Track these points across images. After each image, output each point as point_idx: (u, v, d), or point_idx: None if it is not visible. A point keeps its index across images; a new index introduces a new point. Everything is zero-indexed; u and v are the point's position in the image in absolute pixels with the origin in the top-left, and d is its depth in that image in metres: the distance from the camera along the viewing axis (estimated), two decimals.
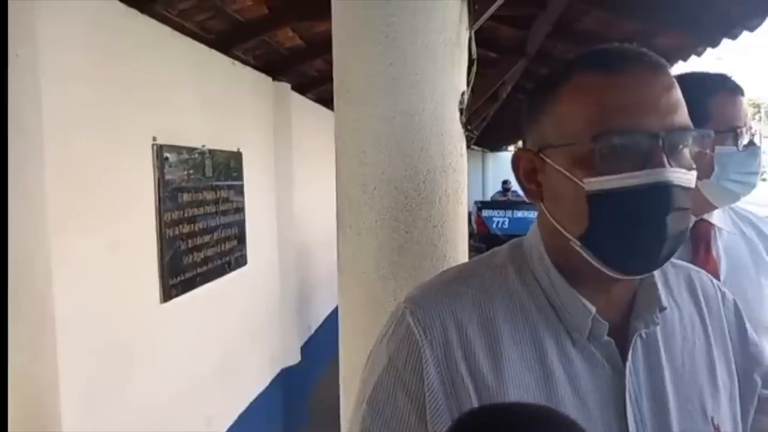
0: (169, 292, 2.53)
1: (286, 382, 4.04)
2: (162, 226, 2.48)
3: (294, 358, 4.20)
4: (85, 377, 1.97)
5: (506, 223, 10.94)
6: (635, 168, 0.59)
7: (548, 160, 0.64)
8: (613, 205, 0.60)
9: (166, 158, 2.51)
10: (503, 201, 12.48)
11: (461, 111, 1.30)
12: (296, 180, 4.19)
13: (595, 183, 0.60)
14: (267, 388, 3.75)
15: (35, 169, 1.70)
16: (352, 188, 1.28)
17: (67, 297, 1.82)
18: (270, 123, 3.81)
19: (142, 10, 2.29)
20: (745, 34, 2.57)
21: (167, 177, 2.51)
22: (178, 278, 2.63)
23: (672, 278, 0.76)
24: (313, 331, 4.87)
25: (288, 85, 3.97)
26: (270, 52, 3.42)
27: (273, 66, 3.63)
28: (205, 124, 2.88)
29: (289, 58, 3.59)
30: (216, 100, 3.01)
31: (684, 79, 0.68)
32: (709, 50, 2.91)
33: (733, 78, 1.16)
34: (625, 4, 2.79)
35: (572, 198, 0.62)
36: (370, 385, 0.71)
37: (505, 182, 14.42)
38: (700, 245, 1.20)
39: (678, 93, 0.63)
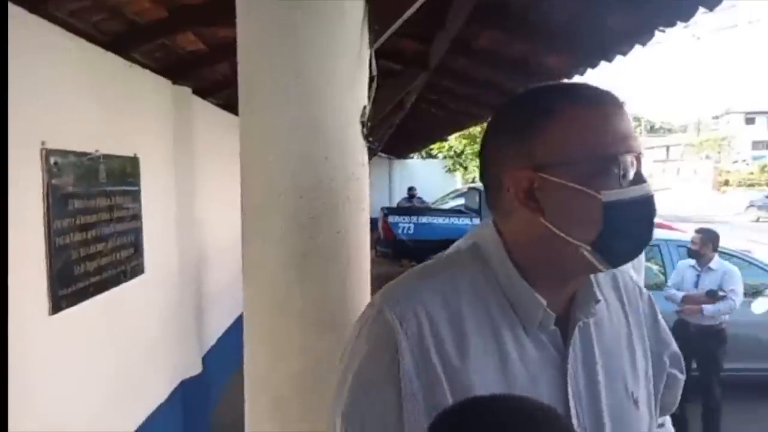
0: (58, 304, 2.38)
1: (186, 393, 3.89)
2: (51, 234, 2.34)
3: (195, 368, 4.06)
4: None
5: (412, 228, 11.16)
6: (633, 182, 0.73)
7: (554, 178, 0.74)
8: (625, 212, 0.72)
9: (56, 163, 2.37)
10: (409, 207, 12.78)
11: (363, 124, 1.37)
12: (198, 186, 4.07)
13: (613, 194, 0.72)
14: (166, 401, 3.60)
15: None
16: (258, 196, 1.31)
17: None
18: (170, 127, 3.69)
19: (31, 10, 2.15)
20: (621, 56, 2.88)
21: (56, 183, 2.38)
22: (69, 288, 2.48)
23: (600, 277, 0.90)
24: (215, 340, 4.74)
25: (189, 89, 3.86)
26: (170, 55, 3.32)
27: (173, 69, 3.52)
28: (99, 128, 2.74)
29: (190, 61, 3.49)
30: (111, 104, 2.87)
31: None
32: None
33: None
34: (516, 26, 3.01)
35: (586, 209, 0.73)
36: (350, 374, 0.78)
37: (410, 189, 14.79)
38: None
39: None
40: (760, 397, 5.15)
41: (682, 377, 0.96)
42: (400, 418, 0.73)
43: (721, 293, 4.19)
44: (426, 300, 0.77)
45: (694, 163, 37.69)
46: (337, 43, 1.27)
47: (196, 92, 4.04)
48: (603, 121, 0.75)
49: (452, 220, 11.01)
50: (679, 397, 0.98)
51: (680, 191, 28.92)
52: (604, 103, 0.76)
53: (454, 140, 18.48)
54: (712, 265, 4.34)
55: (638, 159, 0.74)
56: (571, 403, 0.78)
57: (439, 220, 11.38)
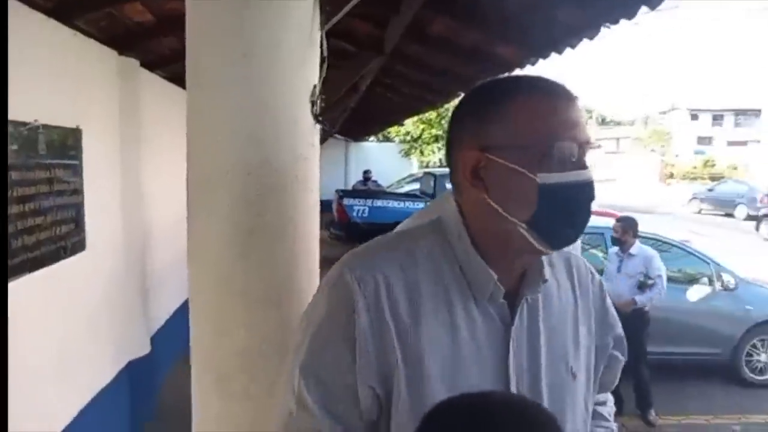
0: None
1: (133, 374, 3.82)
2: None
3: (142, 348, 3.98)
4: None
5: (366, 211, 11.17)
6: (572, 168, 0.78)
7: (498, 159, 0.79)
8: (559, 194, 0.78)
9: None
10: (364, 190, 12.78)
11: (312, 104, 1.38)
12: (146, 160, 3.95)
13: (547, 177, 0.77)
14: (112, 382, 3.53)
15: None
16: (206, 172, 1.30)
17: None
18: (115, 100, 3.56)
19: None
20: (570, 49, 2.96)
21: None
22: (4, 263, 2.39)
23: (554, 259, 0.94)
24: (164, 320, 4.66)
25: (137, 62, 3.73)
26: (116, 25, 3.19)
27: (120, 40, 3.39)
28: (38, 98, 2.63)
29: (138, 33, 3.37)
30: (53, 73, 2.75)
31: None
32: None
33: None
34: (468, 14, 3.05)
35: (523, 189, 0.78)
36: (310, 332, 0.83)
37: (366, 172, 14.77)
38: None
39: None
40: (697, 379, 5.47)
41: (622, 359, 1.03)
42: (354, 375, 0.78)
43: (650, 281, 4.42)
44: (385, 267, 0.82)
45: (642, 155, 39.14)
46: (287, 22, 1.27)
47: (144, 65, 3.91)
48: (550, 109, 0.80)
49: (407, 204, 11.08)
50: (618, 377, 1.05)
51: (628, 182, 29.99)
52: (554, 93, 0.82)
53: (411, 125, 18.56)
54: (632, 251, 4.57)
55: (582, 148, 0.80)
56: (511, 372, 0.84)
57: (394, 204, 11.43)
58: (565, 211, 0.80)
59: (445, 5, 2.98)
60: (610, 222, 5.07)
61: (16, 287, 2.47)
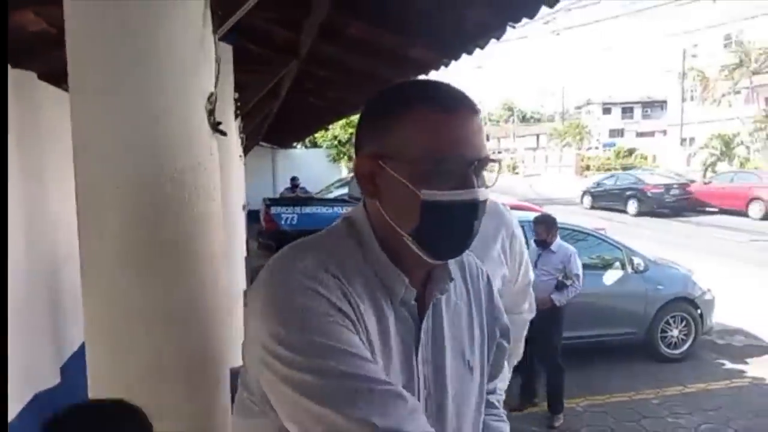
0: None
1: (43, 408, 3.56)
2: None
3: (51, 379, 3.71)
4: None
5: (295, 219, 11.03)
6: (457, 185, 0.79)
7: (388, 169, 0.80)
8: (441, 212, 0.79)
9: None
10: (292, 197, 12.62)
11: (210, 112, 1.33)
12: (51, 175, 3.71)
13: (431, 194, 0.78)
14: (16, 419, 3.27)
15: None
16: (94, 188, 1.23)
17: None
18: (12, 115, 3.33)
19: None
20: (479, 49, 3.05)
21: None
22: None
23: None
24: (77, 346, 4.37)
25: (34, 74, 3.50)
26: (9, 36, 2.98)
27: (13, 52, 3.17)
28: None
29: (34, 44, 3.17)
30: None
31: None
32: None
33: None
34: (382, 17, 3.07)
35: (408, 202, 0.79)
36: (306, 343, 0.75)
37: (293, 179, 14.59)
38: None
39: (483, 129, 0.85)
40: (620, 360, 5.77)
41: (507, 346, 1.08)
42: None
43: (568, 282, 4.49)
44: (328, 264, 0.81)
45: (560, 150, 40.97)
46: (176, 30, 1.22)
47: (42, 77, 3.67)
48: (443, 125, 0.80)
49: (336, 209, 11.03)
50: (504, 363, 1.10)
51: (549, 176, 31.33)
52: (451, 108, 0.81)
53: (339, 129, 18.53)
54: (552, 247, 4.63)
55: (473, 166, 0.80)
56: (420, 369, 0.87)
57: (323, 210, 11.35)
58: (448, 228, 0.81)
59: (358, 7, 2.99)
60: (531, 215, 5.23)
61: None
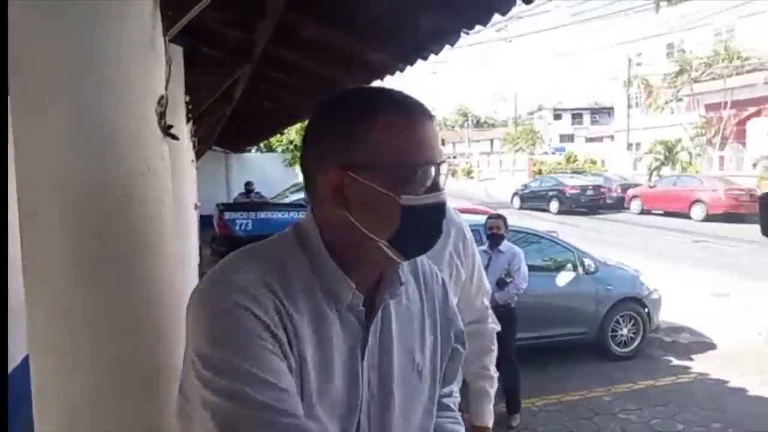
0: None
1: None
2: None
3: None
4: None
5: (250, 224, 10.85)
6: (429, 189, 0.83)
7: (361, 179, 0.80)
8: (418, 215, 0.82)
9: None
10: (246, 203, 12.42)
11: (161, 115, 1.30)
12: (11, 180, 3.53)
13: (410, 200, 0.81)
14: None
15: None
16: (35, 195, 1.17)
17: None
18: None
19: None
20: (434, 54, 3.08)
21: None
22: None
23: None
24: (19, 360, 4.16)
25: None
26: None
27: None
28: None
29: None
30: None
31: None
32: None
33: None
34: (337, 20, 3.07)
35: (386, 210, 0.81)
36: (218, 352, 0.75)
37: (247, 183, 14.35)
38: None
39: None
40: (574, 359, 5.91)
41: (463, 351, 1.08)
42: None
43: (508, 279, 4.51)
44: (264, 275, 0.80)
45: (513, 154, 41.85)
46: (124, 30, 1.18)
47: None
48: (412, 132, 0.83)
49: (292, 214, 10.91)
50: (459, 368, 1.10)
51: (503, 180, 31.93)
52: (414, 114, 0.84)
53: (295, 133, 18.38)
54: (501, 247, 4.67)
55: (438, 168, 0.84)
56: (365, 374, 0.87)
57: (279, 215, 11.20)
58: (424, 229, 0.85)
59: (313, 9, 2.97)
60: (482, 219, 5.28)
61: None
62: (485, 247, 4.71)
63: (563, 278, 5.92)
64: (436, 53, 3.04)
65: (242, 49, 3.57)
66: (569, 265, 6.03)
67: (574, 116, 53.19)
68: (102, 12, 1.16)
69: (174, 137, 1.32)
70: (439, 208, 0.85)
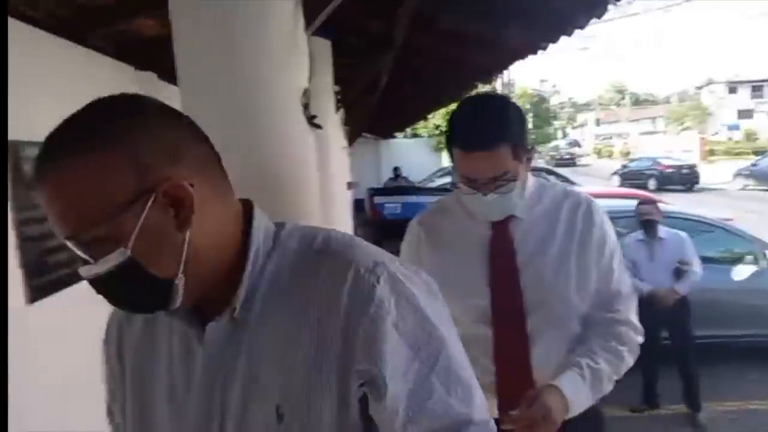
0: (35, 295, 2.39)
1: None
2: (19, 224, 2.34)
3: None
4: None
5: (399, 208, 11.10)
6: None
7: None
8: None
9: (22, 157, 2.37)
10: (395, 187, 12.77)
11: (305, 106, 1.38)
12: None
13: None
14: None
15: None
16: None
17: None
18: None
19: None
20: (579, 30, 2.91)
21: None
22: (43, 278, 2.48)
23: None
24: None
25: (154, 75, 3.82)
26: (130, 40, 3.28)
27: (135, 55, 3.48)
28: (57, 118, 2.72)
29: (152, 46, 3.45)
30: (74, 94, 2.84)
31: None
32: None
33: None
34: (474, 3, 3.01)
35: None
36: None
37: (395, 169, 14.77)
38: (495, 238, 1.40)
39: None
40: (747, 362, 5.25)
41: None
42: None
43: (685, 267, 4.09)
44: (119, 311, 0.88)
45: (679, 133, 37.92)
46: (269, 24, 1.27)
47: (163, 77, 4.00)
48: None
49: (439, 198, 10.98)
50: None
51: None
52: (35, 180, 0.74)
53: (440, 118, 18.47)
54: (661, 234, 4.21)
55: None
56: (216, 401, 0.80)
57: (427, 199, 11.37)
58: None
59: None
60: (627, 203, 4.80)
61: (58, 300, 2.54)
62: (640, 235, 4.28)
63: (741, 272, 5.20)
64: (582, 28, 2.86)
65: (384, 39, 3.66)
66: (749, 258, 5.29)
67: (754, 88, 46.62)
68: (248, 12, 1.26)
69: (317, 126, 1.40)
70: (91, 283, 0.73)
